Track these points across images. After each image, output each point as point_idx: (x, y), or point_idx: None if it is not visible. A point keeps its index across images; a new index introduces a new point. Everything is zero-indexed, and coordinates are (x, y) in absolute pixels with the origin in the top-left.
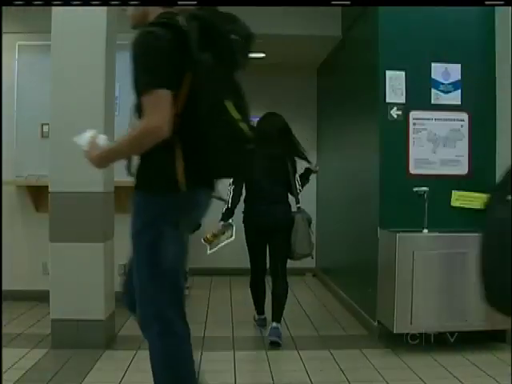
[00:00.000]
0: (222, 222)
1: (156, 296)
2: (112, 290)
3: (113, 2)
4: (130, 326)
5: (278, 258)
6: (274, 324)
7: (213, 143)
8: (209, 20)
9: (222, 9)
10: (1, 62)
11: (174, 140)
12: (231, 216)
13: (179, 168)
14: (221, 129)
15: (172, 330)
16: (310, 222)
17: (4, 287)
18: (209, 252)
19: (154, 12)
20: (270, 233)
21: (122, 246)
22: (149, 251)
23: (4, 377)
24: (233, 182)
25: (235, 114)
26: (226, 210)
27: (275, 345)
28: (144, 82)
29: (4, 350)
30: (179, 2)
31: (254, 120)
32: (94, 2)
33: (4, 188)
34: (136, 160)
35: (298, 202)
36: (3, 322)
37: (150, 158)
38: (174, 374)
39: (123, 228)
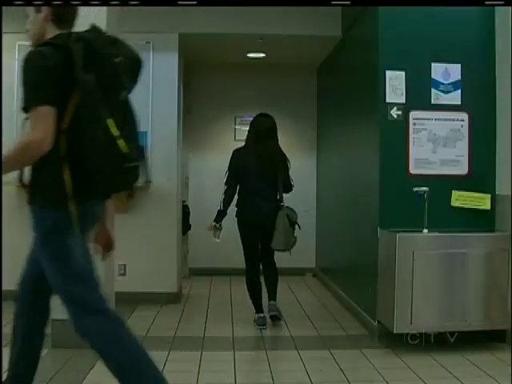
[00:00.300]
0: (214, 223)
1: (75, 294)
2: (112, 290)
3: (113, 2)
4: (130, 326)
5: (269, 250)
6: (272, 302)
7: (91, 158)
8: (92, 43)
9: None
10: (1, 62)
11: (62, 155)
12: (224, 216)
13: (67, 182)
14: (98, 145)
15: (99, 308)
16: (292, 218)
17: (4, 287)
18: (214, 239)
19: (51, 32)
20: (262, 227)
21: (122, 246)
22: (55, 260)
23: (4, 377)
24: (225, 182)
25: (114, 131)
26: (219, 211)
27: (275, 319)
28: (29, 99)
29: (4, 350)
30: (179, 2)
31: (247, 120)
32: (93, 2)
33: (4, 188)
34: (28, 172)
35: (281, 200)
36: (3, 322)
37: (41, 172)
38: (126, 354)
39: (123, 228)
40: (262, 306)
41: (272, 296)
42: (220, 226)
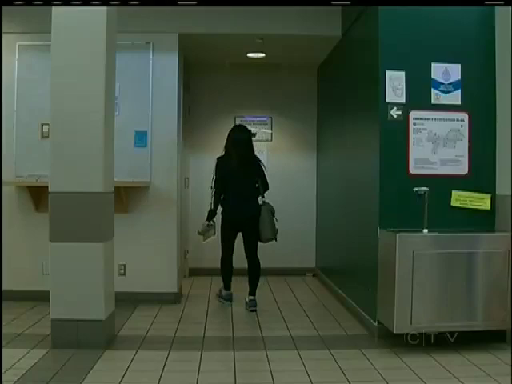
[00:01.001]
0: (206, 222)
1: None
2: (112, 289)
3: (113, 2)
4: (130, 326)
5: (252, 242)
6: (251, 297)
7: None
8: None
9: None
10: (1, 62)
11: None
12: (214, 215)
13: None
14: None
15: None
16: (273, 212)
17: (4, 287)
18: (203, 242)
19: None
20: (245, 223)
21: (122, 246)
22: None
23: (4, 377)
24: (212, 186)
25: None
26: (210, 211)
27: (253, 312)
28: None
29: (4, 350)
30: (179, 2)
31: (247, 120)
32: (93, 2)
33: (4, 188)
34: None
35: (263, 196)
36: (3, 322)
37: None
38: None
39: (123, 228)
40: (230, 284)
41: (252, 291)
42: (213, 222)
